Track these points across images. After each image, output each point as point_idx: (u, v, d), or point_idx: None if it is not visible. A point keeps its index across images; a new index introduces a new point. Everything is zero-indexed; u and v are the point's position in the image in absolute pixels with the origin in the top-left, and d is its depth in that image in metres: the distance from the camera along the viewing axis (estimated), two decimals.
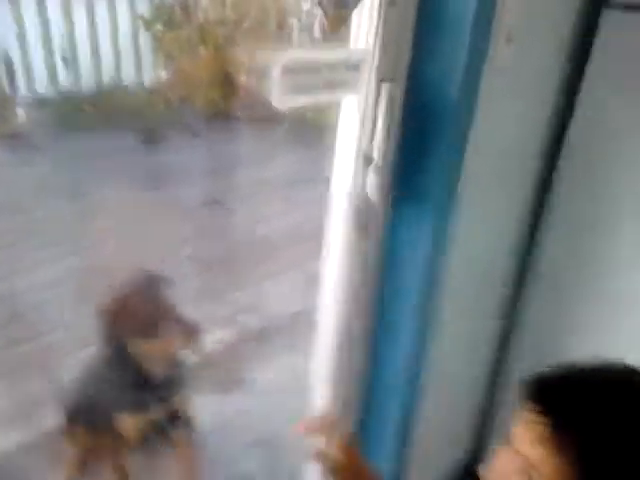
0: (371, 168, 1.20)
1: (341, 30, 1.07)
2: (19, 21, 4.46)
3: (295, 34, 4.80)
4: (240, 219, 3.61)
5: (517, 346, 1.88)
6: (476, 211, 1.39)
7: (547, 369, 0.74)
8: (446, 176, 1.18)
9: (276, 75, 0.95)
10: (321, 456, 1.01)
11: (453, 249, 1.34)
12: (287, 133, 3.88)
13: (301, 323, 2.76)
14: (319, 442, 1.02)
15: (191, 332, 1.55)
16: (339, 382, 1.46)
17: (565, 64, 1.47)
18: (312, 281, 2.98)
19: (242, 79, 4.54)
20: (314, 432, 1.04)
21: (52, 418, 1.98)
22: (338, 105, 1.18)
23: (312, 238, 3.31)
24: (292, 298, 2.97)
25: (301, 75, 0.98)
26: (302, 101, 1.01)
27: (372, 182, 1.22)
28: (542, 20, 1.29)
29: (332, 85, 1.05)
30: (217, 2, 4.74)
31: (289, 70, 0.96)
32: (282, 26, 4.63)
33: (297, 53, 0.98)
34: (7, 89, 4.49)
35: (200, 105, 4.63)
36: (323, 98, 1.05)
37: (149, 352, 1.55)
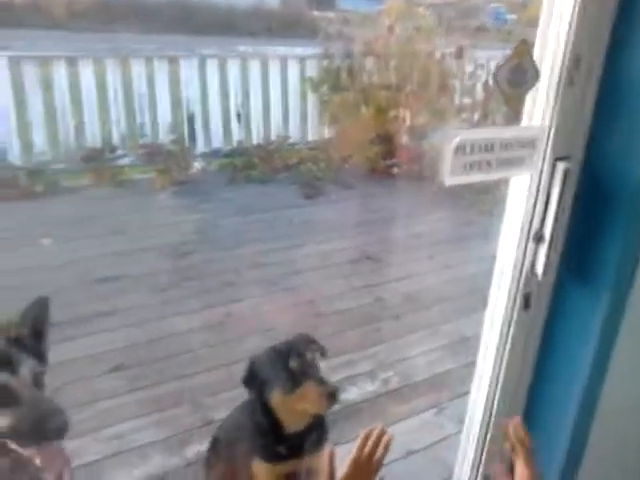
0: (541, 245, 1.16)
1: (517, 108, 1.07)
2: (203, 83, 4.95)
3: (457, 97, 4.85)
4: (389, 274, 3.63)
5: None
6: None
7: None
8: (622, 260, 1.12)
9: (449, 154, 0.97)
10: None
11: (623, 335, 1.25)
12: (443, 192, 3.88)
13: (445, 385, 2.70)
14: None
15: (328, 396, 1.56)
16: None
17: None
18: (459, 343, 2.91)
19: (401, 139, 4.65)
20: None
21: (197, 450, 2.13)
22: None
23: (458, 298, 3.24)
24: (436, 359, 2.92)
25: (474, 154, 0.99)
26: (474, 179, 1.02)
27: (541, 259, 1.18)
28: None
29: (504, 163, 1.04)
30: (381, 66, 4.92)
31: (461, 149, 0.98)
32: (444, 89, 4.70)
33: (470, 132, 0.99)
34: (187, 142, 4.97)
35: (359, 162, 4.79)
36: (494, 175, 1.05)
37: (287, 406, 1.60)
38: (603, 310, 1.17)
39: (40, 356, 1.09)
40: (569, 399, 1.31)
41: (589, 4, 1.01)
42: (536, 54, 1.07)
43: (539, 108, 1.08)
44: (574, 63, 1.03)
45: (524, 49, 1.00)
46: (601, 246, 1.13)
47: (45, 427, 0.97)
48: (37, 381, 1.04)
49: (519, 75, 0.99)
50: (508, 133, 1.03)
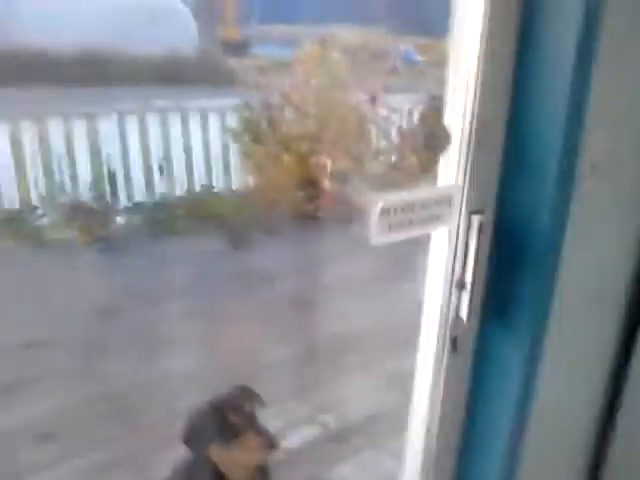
0: (463, 292, 1.25)
1: (431, 169, 1.16)
2: (123, 137, 4.92)
3: (374, 141, 5.03)
4: (323, 317, 3.68)
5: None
6: (566, 338, 1.40)
7: None
8: (537, 301, 1.22)
9: (374, 217, 1.04)
10: None
11: (544, 371, 1.35)
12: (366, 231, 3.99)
13: (382, 424, 2.75)
14: None
15: (269, 445, 1.59)
16: None
17: None
18: (393, 381, 2.98)
19: (324, 183, 4.76)
20: None
21: None
22: None
23: (390, 337, 3.33)
24: (372, 398, 2.98)
25: (397, 215, 1.07)
26: (397, 237, 1.09)
27: (464, 305, 1.26)
28: (628, 152, 1.33)
29: (425, 220, 1.13)
30: (300, 116, 5.06)
31: (386, 212, 1.05)
32: (361, 134, 4.88)
33: (392, 196, 1.07)
34: (108, 198, 4.90)
35: (285, 208, 4.86)
36: (416, 232, 1.13)
37: (228, 459, 1.60)
38: (523, 349, 1.26)
39: None
40: (499, 432, 1.38)
41: (490, 67, 1.12)
42: (447, 115, 1.17)
43: (452, 167, 1.18)
44: (481, 125, 1.14)
45: (436, 118, 1.09)
46: (517, 290, 1.22)
47: None
48: None
49: (433, 141, 1.09)
50: (426, 193, 1.12)
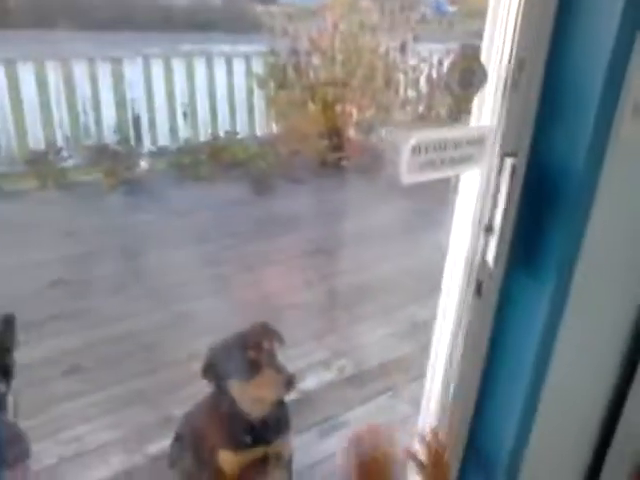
0: (491, 236, 1.23)
1: (467, 108, 1.13)
2: (148, 81, 4.89)
3: (402, 90, 4.95)
4: (343, 266, 3.69)
5: (626, 423, 1.80)
6: (592, 287, 1.38)
7: None
8: (565, 249, 1.20)
9: (405, 154, 1.02)
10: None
11: (567, 320, 1.34)
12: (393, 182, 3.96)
13: (400, 368, 2.79)
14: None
15: (286, 383, 1.61)
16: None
17: None
18: (414, 328, 3.00)
19: (349, 132, 4.72)
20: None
21: (160, 445, 2.15)
22: None
23: (410, 286, 3.33)
24: (391, 345, 3.01)
25: (428, 153, 1.05)
26: (428, 176, 1.07)
27: (491, 249, 1.25)
28: None
29: (456, 160, 1.10)
30: (327, 62, 4.97)
31: (417, 149, 1.03)
32: (389, 83, 4.79)
33: (424, 133, 1.04)
34: (132, 141, 4.91)
35: (309, 156, 4.83)
36: (447, 173, 1.11)
37: (246, 394, 1.64)
38: (548, 297, 1.25)
39: (6, 375, 1.09)
40: (519, 379, 1.39)
41: (531, 8, 1.08)
42: (483, 57, 1.14)
43: (486, 108, 1.15)
44: (518, 66, 1.10)
45: (472, 54, 1.06)
46: (545, 237, 1.21)
47: (6, 454, 0.97)
48: (0, 403, 1.04)
49: (468, 78, 1.05)
50: (459, 133, 1.09)
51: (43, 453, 2.13)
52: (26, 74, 4.42)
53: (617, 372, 1.75)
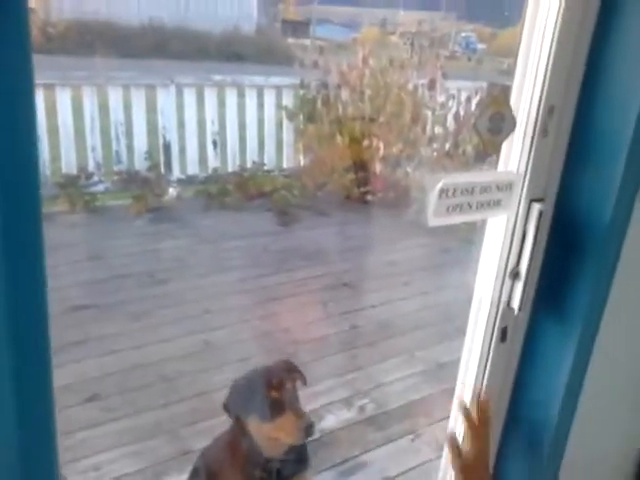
0: (517, 281, 1.22)
1: (495, 153, 1.13)
2: (180, 110, 4.99)
3: (429, 126, 4.97)
4: (366, 301, 3.67)
5: None
6: (620, 337, 1.36)
7: None
8: (593, 297, 1.18)
9: (433, 197, 1.02)
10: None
11: (593, 369, 1.31)
12: (416, 218, 3.96)
13: (422, 412, 2.74)
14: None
15: (305, 429, 1.59)
16: None
17: None
18: (436, 370, 2.96)
19: (375, 167, 4.74)
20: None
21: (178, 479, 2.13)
22: None
23: (433, 325, 3.29)
24: (414, 386, 2.96)
25: (456, 197, 1.05)
26: (455, 219, 1.07)
27: (517, 295, 1.24)
28: None
29: (484, 205, 1.10)
30: (355, 97, 5.03)
31: (444, 192, 1.03)
32: (416, 119, 4.83)
33: (453, 177, 1.05)
34: (162, 169, 4.98)
35: (334, 189, 4.86)
36: (474, 217, 1.11)
37: (264, 434, 1.62)
38: (574, 344, 1.23)
39: None
40: (542, 430, 1.36)
41: (563, 53, 1.08)
42: (512, 101, 1.14)
43: (515, 152, 1.15)
44: (548, 112, 1.10)
45: (502, 99, 1.06)
46: (572, 284, 1.19)
47: None
48: None
49: (497, 123, 1.06)
50: (487, 177, 1.09)
51: None
52: (63, 99, 4.54)
53: None
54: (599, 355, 1.32)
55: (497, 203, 1.12)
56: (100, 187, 4.63)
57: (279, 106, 5.32)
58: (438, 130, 4.94)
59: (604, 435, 1.57)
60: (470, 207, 1.08)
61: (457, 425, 1.33)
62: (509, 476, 1.47)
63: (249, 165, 5.20)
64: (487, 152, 1.11)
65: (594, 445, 1.52)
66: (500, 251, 1.23)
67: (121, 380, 2.73)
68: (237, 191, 4.80)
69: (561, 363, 1.28)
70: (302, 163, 5.34)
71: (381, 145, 4.71)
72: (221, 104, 5.19)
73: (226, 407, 1.65)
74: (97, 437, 2.39)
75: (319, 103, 5.07)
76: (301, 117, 5.22)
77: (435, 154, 4.89)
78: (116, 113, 4.75)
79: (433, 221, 1.04)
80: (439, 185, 1.02)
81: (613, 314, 1.28)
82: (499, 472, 1.48)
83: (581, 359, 1.28)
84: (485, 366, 1.34)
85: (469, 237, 1.29)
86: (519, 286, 1.22)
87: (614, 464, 1.72)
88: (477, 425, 1.23)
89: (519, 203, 1.16)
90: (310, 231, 4.58)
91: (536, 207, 1.15)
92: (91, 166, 4.71)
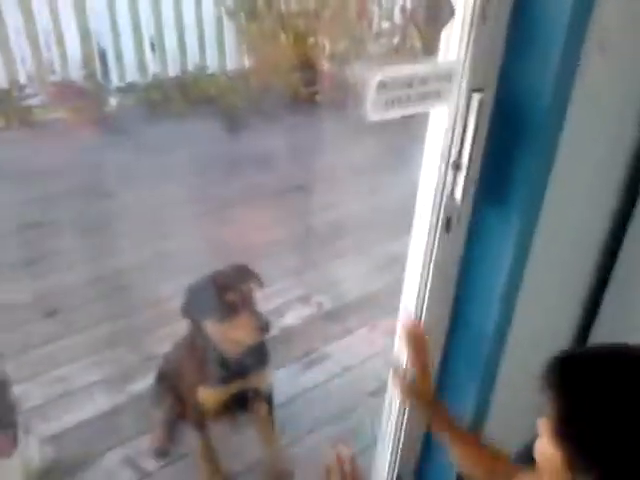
0: (459, 172, 1.24)
1: (433, 43, 1.11)
2: (112, 13, 4.68)
3: (376, 21, 4.81)
4: (319, 203, 3.69)
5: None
6: (560, 220, 1.41)
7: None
8: (532, 183, 1.21)
9: (371, 91, 1.01)
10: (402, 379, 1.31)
11: (534, 254, 1.37)
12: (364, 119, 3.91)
13: (374, 302, 2.85)
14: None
15: (261, 328, 1.64)
16: None
17: None
18: (386, 264, 3.04)
19: (322, 65, 4.60)
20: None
21: (142, 384, 2.20)
22: None
23: (384, 223, 3.35)
24: (365, 280, 3.06)
25: (395, 90, 1.04)
26: (395, 113, 1.07)
27: (459, 185, 1.26)
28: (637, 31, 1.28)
29: (424, 97, 1.10)
30: None
31: (383, 86, 1.02)
32: (362, 14, 4.65)
33: (390, 70, 1.03)
34: (100, 78, 4.74)
35: (281, 90, 4.72)
36: (414, 110, 1.11)
37: (221, 335, 1.67)
38: (516, 231, 1.27)
39: None
40: (487, 314, 1.43)
41: None
42: None
43: (454, 42, 1.13)
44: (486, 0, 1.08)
45: None
46: (513, 172, 1.22)
47: None
48: None
49: (435, 13, 1.03)
50: (425, 68, 1.08)
51: (30, 394, 2.17)
52: None
53: (588, 295, 1.81)
54: (539, 244, 1.37)
55: (437, 94, 1.11)
56: (35, 100, 4.39)
57: (218, 3, 5.03)
58: (385, 25, 4.78)
59: (546, 320, 1.67)
60: (409, 100, 1.08)
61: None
62: (452, 380, 1.56)
63: (190, 68, 4.99)
64: (426, 42, 1.09)
65: (535, 332, 1.62)
66: (442, 143, 1.23)
67: (79, 294, 2.73)
68: (181, 97, 4.61)
69: (503, 252, 1.33)
70: (247, 64, 5.14)
71: (327, 42, 4.55)
72: (156, 4, 4.88)
73: (183, 311, 1.69)
74: (60, 350, 2.42)
75: (260, 0, 4.82)
76: (242, 15, 4.97)
77: (383, 50, 4.76)
78: (42, 18, 4.43)
79: (373, 116, 1.04)
80: (377, 78, 1.01)
81: (553, 202, 1.32)
82: (443, 375, 1.58)
83: (521, 248, 1.33)
84: (431, 256, 1.39)
85: (422, 135, 1.29)
86: (461, 176, 1.24)
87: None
88: (417, 351, 1.30)
89: (459, 94, 1.16)
90: (259, 135, 4.48)
91: (476, 97, 1.15)
92: (23, 78, 4.44)
